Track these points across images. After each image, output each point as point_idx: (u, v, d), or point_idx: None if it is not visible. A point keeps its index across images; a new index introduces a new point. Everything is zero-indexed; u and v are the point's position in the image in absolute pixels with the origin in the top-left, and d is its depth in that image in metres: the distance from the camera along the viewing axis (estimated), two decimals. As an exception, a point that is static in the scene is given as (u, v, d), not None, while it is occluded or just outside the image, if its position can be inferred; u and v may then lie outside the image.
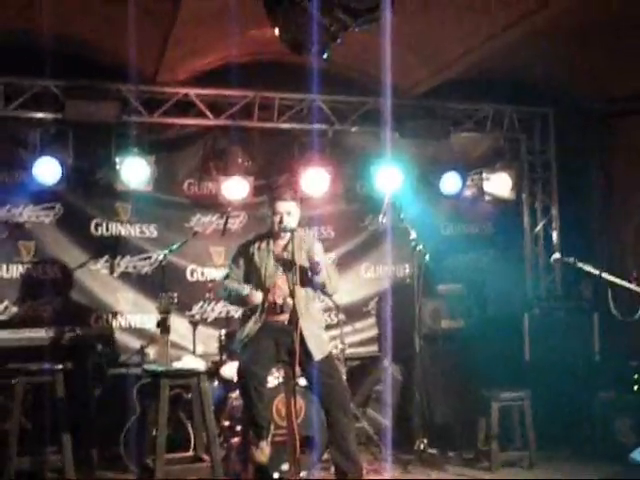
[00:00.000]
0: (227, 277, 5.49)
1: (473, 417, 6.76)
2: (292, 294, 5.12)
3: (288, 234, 5.22)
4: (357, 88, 7.59)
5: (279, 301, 5.22)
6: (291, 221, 5.27)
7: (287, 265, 5.20)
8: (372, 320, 8.02)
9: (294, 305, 5.12)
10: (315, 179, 7.47)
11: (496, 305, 7.86)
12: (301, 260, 5.22)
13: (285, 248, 5.30)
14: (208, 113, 7.39)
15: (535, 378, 7.01)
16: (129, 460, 6.23)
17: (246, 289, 5.24)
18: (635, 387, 6.61)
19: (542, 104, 8.20)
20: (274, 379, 6.18)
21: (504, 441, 6.62)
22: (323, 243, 7.11)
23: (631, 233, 7.39)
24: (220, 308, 7.55)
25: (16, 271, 7.10)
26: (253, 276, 5.35)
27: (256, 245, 5.39)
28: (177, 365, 6.14)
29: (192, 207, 7.68)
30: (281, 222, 5.24)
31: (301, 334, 5.04)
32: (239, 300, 5.38)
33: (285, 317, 5.25)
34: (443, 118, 7.79)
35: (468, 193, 8.12)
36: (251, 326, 5.24)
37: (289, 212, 5.28)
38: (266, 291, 5.25)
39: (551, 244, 8.26)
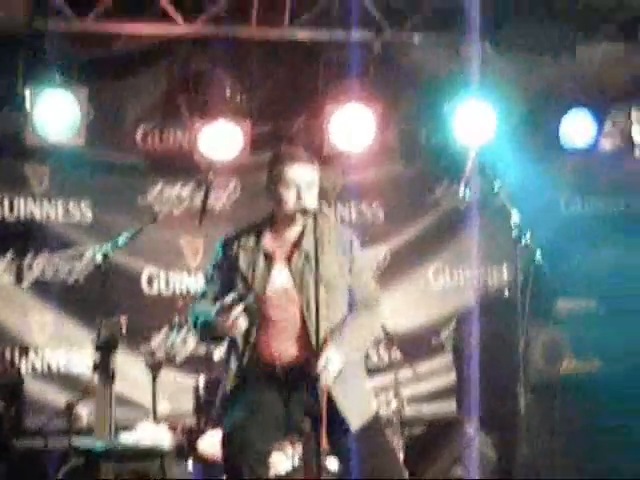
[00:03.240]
0: (203, 296, 4.32)
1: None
2: (316, 317, 3.94)
3: (303, 219, 4.23)
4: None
5: (278, 336, 4.09)
6: (311, 198, 4.19)
7: (303, 268, 4.16)
8: (446, 359, 6.62)
9: (316, 336, 3.97)
10: (353, 124, 6.14)
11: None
12: (329, 260, 4.15)
13: (299, 241, 4.15)
14: (176, 15, 5.95)
15: None
16: None
17: (212, 311, 4.11)
18: None
19: None
20: (286, 459, 5.14)
21: None
22: (367, 230, 6.62)
23: None
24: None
25: None
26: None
27: (242, 242, 4.25)
28: (128, 438, 5.24)
29: (150, 172, 6.40)
30: (299, 198, 4.17)
31: (329, 388, 4.00)
32: (209, 331, 4.19)
33: (296, 354, 4.10)
34: (565, 21, 6.23)
35: (607, 145, 6.70)
36: (241, 368, 4.15)
37: (308, 183, 4.17)
38: (257, 313, 4.10)
39: None
